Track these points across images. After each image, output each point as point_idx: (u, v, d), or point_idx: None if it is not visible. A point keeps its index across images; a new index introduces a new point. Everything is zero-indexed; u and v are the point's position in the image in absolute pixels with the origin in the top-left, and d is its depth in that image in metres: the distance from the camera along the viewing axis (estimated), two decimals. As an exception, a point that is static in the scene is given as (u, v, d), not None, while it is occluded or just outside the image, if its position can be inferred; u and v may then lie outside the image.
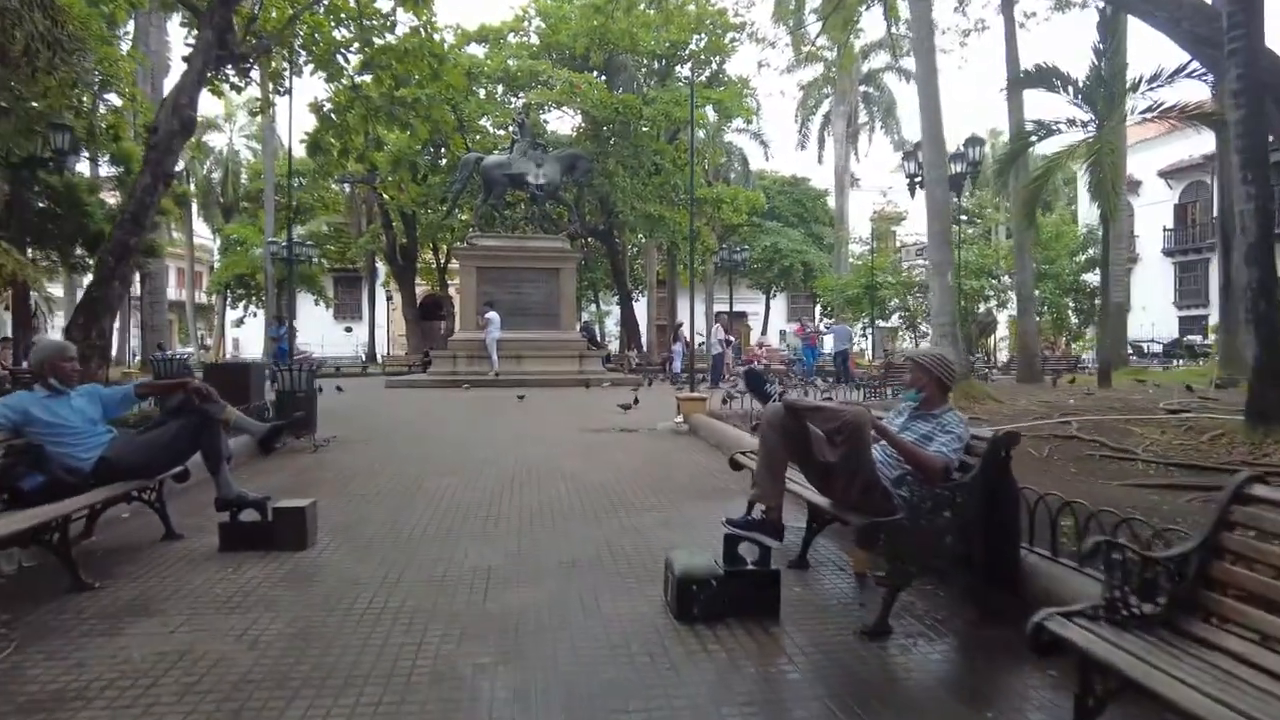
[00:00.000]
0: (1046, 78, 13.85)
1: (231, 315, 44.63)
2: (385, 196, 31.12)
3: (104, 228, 21.13)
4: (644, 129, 24.13)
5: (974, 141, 14.86)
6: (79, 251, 22.66)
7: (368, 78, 14.56)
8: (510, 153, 20.88)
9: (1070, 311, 31.29)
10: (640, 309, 37.04)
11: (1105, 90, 13.32)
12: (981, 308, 31.26)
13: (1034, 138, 14.32)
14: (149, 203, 10.51)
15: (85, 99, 15.38)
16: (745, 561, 3.48)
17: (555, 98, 22.82)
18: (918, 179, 15.39)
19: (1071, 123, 14.24)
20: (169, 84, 32.06)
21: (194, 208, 42.70)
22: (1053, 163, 14.70)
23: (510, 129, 21.45)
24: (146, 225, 10.54)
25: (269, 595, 3.70)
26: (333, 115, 14.37)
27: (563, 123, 28.53)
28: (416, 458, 7.85)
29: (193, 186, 41.67)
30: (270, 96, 18.80)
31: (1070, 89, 13.81)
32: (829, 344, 23.25)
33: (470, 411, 12.69)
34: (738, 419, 9.96)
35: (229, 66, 14.68)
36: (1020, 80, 14.56)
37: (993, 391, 11.57)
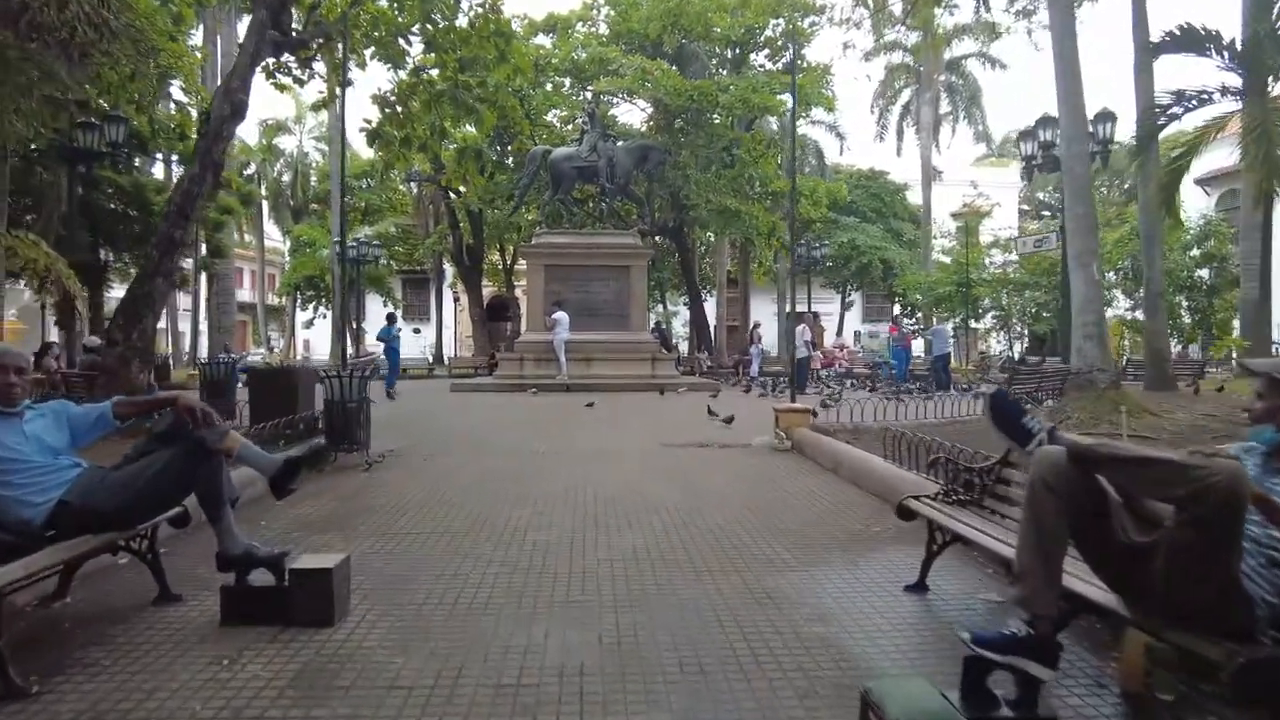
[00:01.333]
0: (1195, 40, 11.99)
1: (302, 316, 44.99)
2: (451, 195, 30.51)
3: (170, 227, 20.97)
4: (718, 119, 22.75)
5: (1104, 117, 13.02)
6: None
7: (432, 68, 13.65)
8: (579, 145, 19.79)
9: (1184, 311, 28.61)
10: (707, 309, 35.65)
11: (1275, 49, 11.43)
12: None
13: (1177, 108, 12.46)
14: (196, 193, 9.71)
15: (147, 94, 14.90)
16: (998, 702, 2.17)
17: (626, 85, 21.63)
18: (1036, 160, 13.68)
19: (1224, 91, 12.36)
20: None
21: (265, 209, 43.15)
22: (1198, 138, 12.80)
23: (579, 120, 20.38)
24: (193, 217, 9.75)
25: (267, 716, 2.54)
26: (395, 103, 13.48)
27: (631, 115, 27.41)
28: (480, 480, 6.71)
29: (264, 189, 42.10)
30: (334, 89, 18.16)
31: (1225, 52, 11.94)
32: (919, 346, 21.34)
33: (539, 420, 11.59)
34: (847, 434, 8.58)
35: (289, 54, 13.97)
36: (1159, 45, 12.70)
37: (1142, 400, 9.87)
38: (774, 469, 7.27)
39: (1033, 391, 12.00)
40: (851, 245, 38.06)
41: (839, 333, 43.19)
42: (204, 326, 34.20)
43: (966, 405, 10.84)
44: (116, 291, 31.49)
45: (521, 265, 29.18)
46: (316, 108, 17.79)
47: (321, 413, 7.52)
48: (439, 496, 6.01)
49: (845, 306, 43.60)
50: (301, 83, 16.45)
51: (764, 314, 37.63)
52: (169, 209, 9.67)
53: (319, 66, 16.93)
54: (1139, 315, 28.50)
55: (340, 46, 14.62)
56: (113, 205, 20.51)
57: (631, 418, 11.86)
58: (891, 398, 15.52)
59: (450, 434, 9.92)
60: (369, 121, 13.59)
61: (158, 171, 26.55)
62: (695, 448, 8.59)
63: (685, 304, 42.11)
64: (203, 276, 29.90)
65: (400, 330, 19.18)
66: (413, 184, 37.21)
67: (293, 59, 14.46)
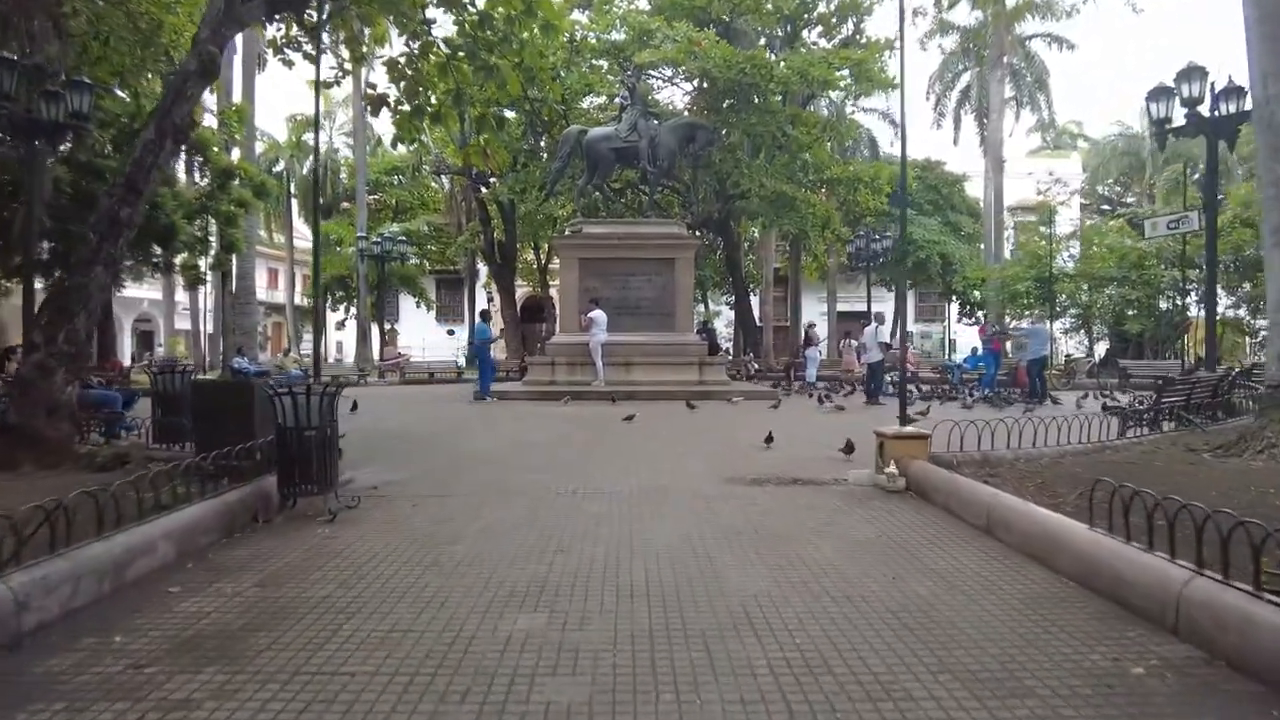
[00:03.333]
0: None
1: (333, 318, 43.77)
2: (482, 189, 28.76)
3: (174, 221, 19.39)
4: (772, 95, 20.45)
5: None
6: (159, 251, 21.10)
7: (448, 48, 11.72)
8: (618, 124, 17.74)
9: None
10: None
11: None
12: (1164, 303, 26.01)
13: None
14: (151, 163, 7.87)
15: (131, 63, 13.26)
16: None
17: (671, 57, 19.47)
18: (1169, 123, 11.30)
19: None
20: (261, 82, 30.63)
21: (295, 207, 42.03)
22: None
23: (619, 97, 18.32)
24: (145, 192, 7.89)
25: None
26: (405, 67, 11.57)
27: (674, 98, 25.20)
28: (479, 545, 4.70)
29: (293, 186, 40.93)
30: (346, 66, 16.38)
31: None
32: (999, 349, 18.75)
33: (569, 441, 9.55)
34: (975, 466, 6.42)
35: (296, 26, 12.21)
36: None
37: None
38: (898, 528, 5.12)
39: (1181, 406, 9.65)
40: (908, 238, 35.56)
41: (892, 334, 40.62)
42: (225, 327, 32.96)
43: (1103, 427, 8.53)
44: (130, 290, 30.38)
45: (557, 265, 27.31)
46: (327, 85, 15.98)
47: (274, 443, 5.56)
48: (411, 581, 3.99)
49: (900, 304, 40.98)
50: (312, 59, 14.72)
51: (811, 314, 35.28)
52: (115, 182, 7.86)
53: (338, 47, 15.10)
54: (1241, 314, 25.63)
55: (354, 21, 12.80)
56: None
57: (682, 437, 9.77)
58: (981, 409, 13.24)
59: (458, 461, 7.93)
60: (372, 87, 11.69)
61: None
62: (774, 486, 6.47)
63: (727, 303, 39.87)
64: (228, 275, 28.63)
65: (489, 336, 17.27)
66: (442, 177, 35.65)
67: (302, 33, 12.71)
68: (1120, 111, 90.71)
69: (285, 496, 5.49)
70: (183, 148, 12.26)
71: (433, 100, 11.75)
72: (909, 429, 6.63)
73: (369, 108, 11.85)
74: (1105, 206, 50.18)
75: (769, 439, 8.26)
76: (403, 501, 5.92)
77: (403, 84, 12.46)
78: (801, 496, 6.06)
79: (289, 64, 14.30)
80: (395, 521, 5.30)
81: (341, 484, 6.42)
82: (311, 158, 41.49)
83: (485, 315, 18.24)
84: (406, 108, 12.27)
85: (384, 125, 56.67)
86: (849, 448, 7.61)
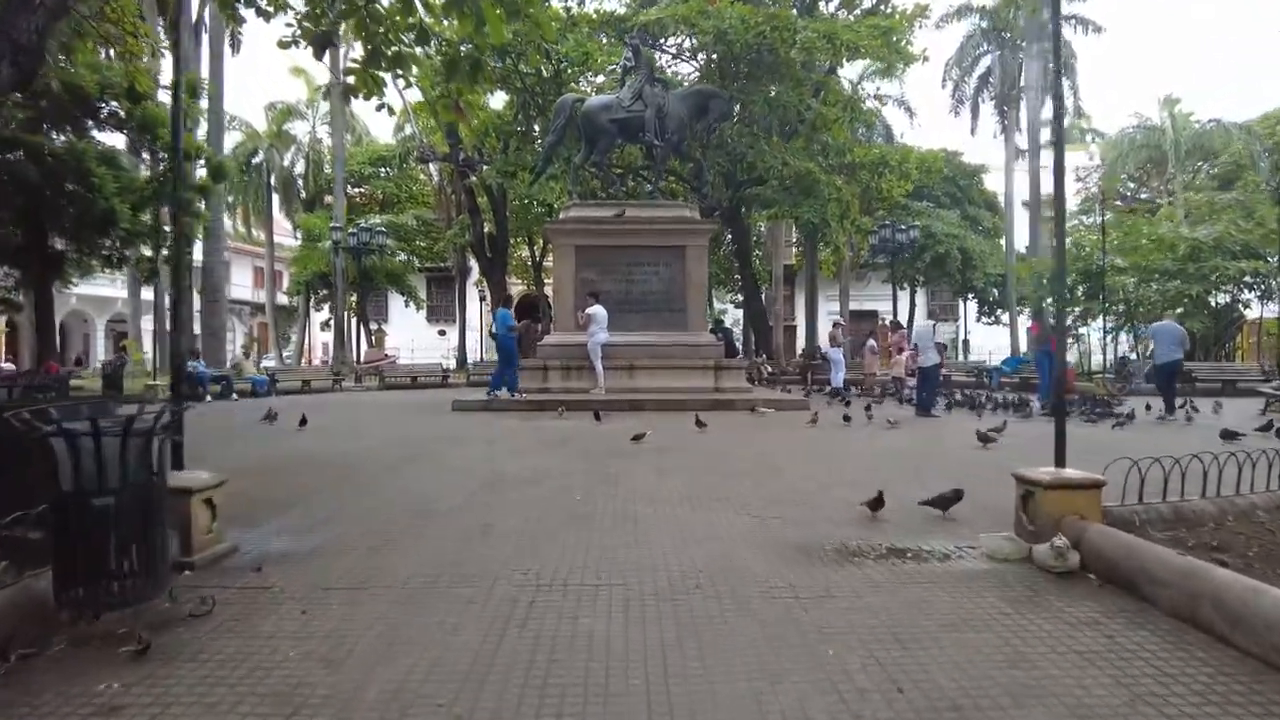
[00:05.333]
0: None
1: (318, 317, 41.54)
2: (471, 176, 26.51)
3: (114, 206, 17.07)
4: (796, 67, 18.12)
5: None
6: (109, 242, 18.80)
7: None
8: (620, 92, 15.48)
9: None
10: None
11: None
12: (1219, 298, 23.75)
13: None
14: (-26, 96, 5.61)
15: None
16: None
17: (682, 14, 17.15)
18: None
19: None
20: (239, 67, 28.30)
21: (275, 201, 39.75)
22: None
23: (623, 59, 16.01)
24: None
25: None
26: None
27: (682, 69, 22.88)
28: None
29: (273, 178, 38.66)
30: (308, 25, 14.08)
31: None
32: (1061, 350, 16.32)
33: (560, 480, 7.19)
34: (1170, 528, 4.21)
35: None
36: None
37: None
38: (1144, 673, 2.83)
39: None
40: (927, 233, 33.46)
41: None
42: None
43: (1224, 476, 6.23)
44: (83, 289, 28.04)
45: (549, 264, 25.07)
46: (283, 46, 13.64)
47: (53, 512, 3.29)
48: None
49: (914, 303, 38.81)
50: (268, 16, 12.42)
51: (821, 313, 33.16)
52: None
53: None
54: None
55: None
56: (49, 178, 16.66)
57: (710, 470, 7.43)
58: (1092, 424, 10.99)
59: (401, 515, 5.61)
60: (316, 15, 9.40)
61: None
62: (874, 564, 4.20)
63: (734, 302, 37.63)
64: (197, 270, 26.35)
65: (519, 327, 14.96)
66: (430, 167, 33.43)
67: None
68: (1129, 105, 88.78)
69: (73, 606, 3.22)
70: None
71: (391, 39, 9.48)
72: (1072, 472, 4.37)
73: (311, 48, 9.59)
74: (1119, 203, 48.42)
75: (878, 504, 5.21)
76: (288, 603, 3.65)
77: (352, 21, 10.13)
78: (931, 591, 3.78)
79: (239, 20, 12.10)
80: (251, 657, 3.02)
81: (214, 558, 4.19)
82: (294, 152, 39.18)
83: (507, 301, 16.44)
84: (360, 41, 9.95)
85: (365, 111, 54.20)
86: (943, 503, 5.24)
